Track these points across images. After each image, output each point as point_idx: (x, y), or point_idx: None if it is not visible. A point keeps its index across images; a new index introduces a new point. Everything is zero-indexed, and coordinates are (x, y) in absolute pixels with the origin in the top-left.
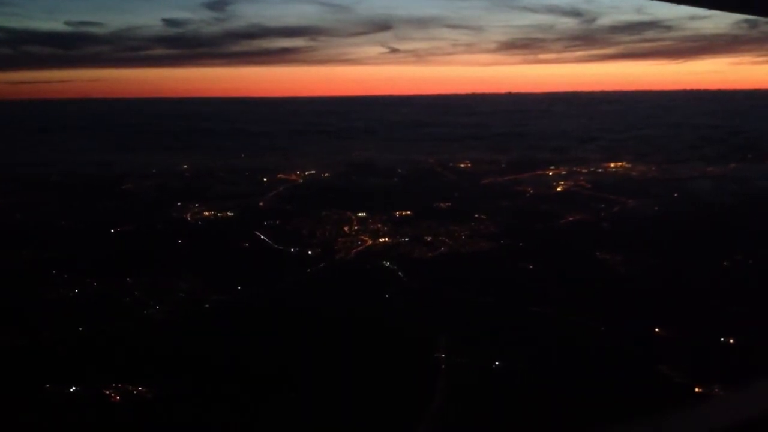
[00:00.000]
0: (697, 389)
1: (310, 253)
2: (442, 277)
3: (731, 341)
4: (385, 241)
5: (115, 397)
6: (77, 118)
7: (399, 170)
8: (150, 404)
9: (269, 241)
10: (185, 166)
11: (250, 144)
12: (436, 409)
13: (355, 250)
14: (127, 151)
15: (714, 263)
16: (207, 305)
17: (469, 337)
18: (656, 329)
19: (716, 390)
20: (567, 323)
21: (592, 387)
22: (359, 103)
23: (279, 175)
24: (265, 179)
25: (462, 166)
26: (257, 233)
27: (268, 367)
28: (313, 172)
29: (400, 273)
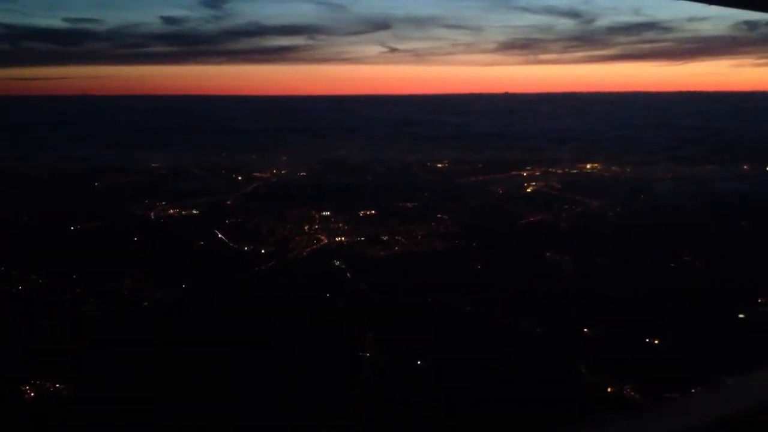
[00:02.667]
0: (609, 389)
1: (263, 251)
2: (388, 277)
3: (656, 342)
4: (341, 240)
5: (30, 393)
6: (67, 114)
7: (375, 169)
8: (63, 401)
9: (226, 240)
10: (163, 164)
11: (233, 142)
12: (348, 407)
13: (308, 249)
14: (109, 147)
15: (660, 264)
16: (146, 303)
17: (400, 337)
18: (585, 329)
19: (627, 390)
20: (501, 324)
21: (507, 387)
22: (355, 102)
23: (254, 174)
24: (239, 177)
25: (439, 165)
26: (216, 231)
27: (191, 365)
28: (289, 170)
29: (348, 273)
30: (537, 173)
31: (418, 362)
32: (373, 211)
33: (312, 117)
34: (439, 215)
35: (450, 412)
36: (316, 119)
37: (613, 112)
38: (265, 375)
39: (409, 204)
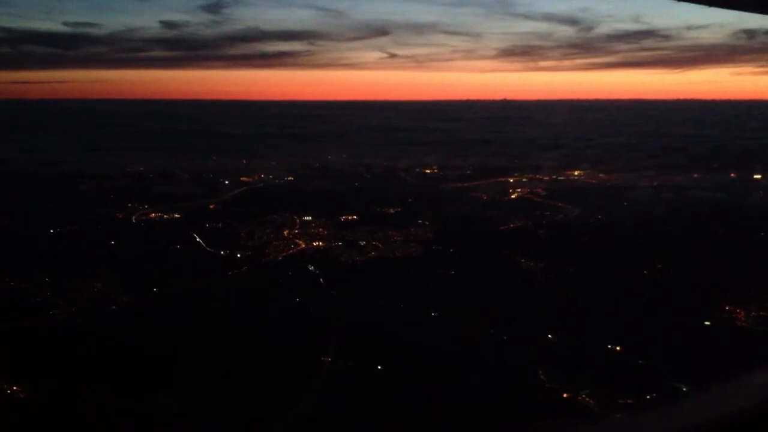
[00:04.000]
0: (564, 395)
1: (238, 255)
2: (360, 282)
3: (618, 348)
4: (318, 244)
5: None
6: (63, 118)
7: (362, 174)
8: (18, 403)
9: (203, 244)
10: (150, 167)
11: (224, 146)
12: (303, 410)
13: (284, 254)
14: (99, 151)
15: (631, 271)
16: (114, 306)
17: (363, 341)
18: (549, 335)
19: (582, 396)
20: (466, 329)
21: (462, 392)
22: (352, 108)
23: (241, 178)
24: (226, 182)
25: (426, 171)
26: (194, 235)
27: (151, 367)
28: (276, 175)
29: (321, 277)
30: (523, 180)
31: (379, 367)
32: (355, 217)
33: (305, 122)
34: (419, 221)
35: (398, 417)
36: (309, 124)
37: (607, 119)
38: (217, 380)
39: (391, 210)
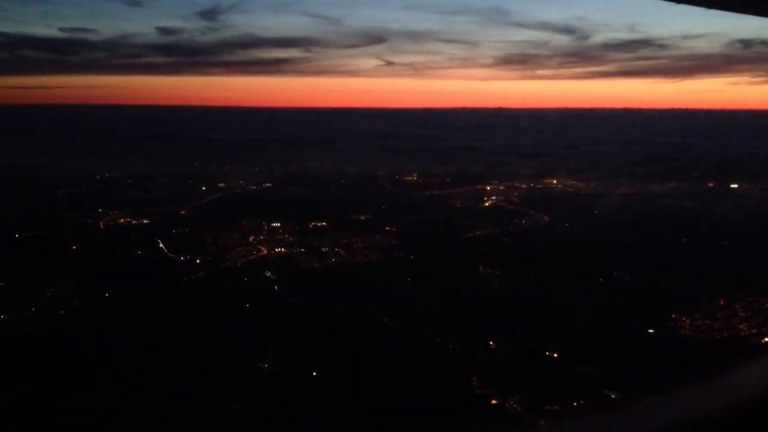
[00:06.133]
0: (493, 401)
1: (198, 261)
2: (315, 289)
3: (555, 355)
4: (280, 251)
5: None
6: (52, 123)
7: (340, 181)
8: None
9: (165, 249)
10: (130, 173)
11: (209, 152)
12: (232, 415)
13: (244, 260)
14: (82, 156)
15: (587, 279)
16: (62, 311)
17: (303, 348)
18: (491, 342)
19: (510, 403)
20: (412, 336)
21: (394, 396)
22: (348, 115)
23: (219, 184)
24: (203, 188)
25: (407, 178)
26: (158, 241)
27: (87, 369)
28: (254, 181)
29: (276, 284)
30: (500, 187)
31: (314, 373)
32: (324, 223)
33: (295, 129)
34: (388, 227)
35: (333, 421)
36: (298, 131)
37: (595, 127)
38: (149, 383)
39: (362, 216)
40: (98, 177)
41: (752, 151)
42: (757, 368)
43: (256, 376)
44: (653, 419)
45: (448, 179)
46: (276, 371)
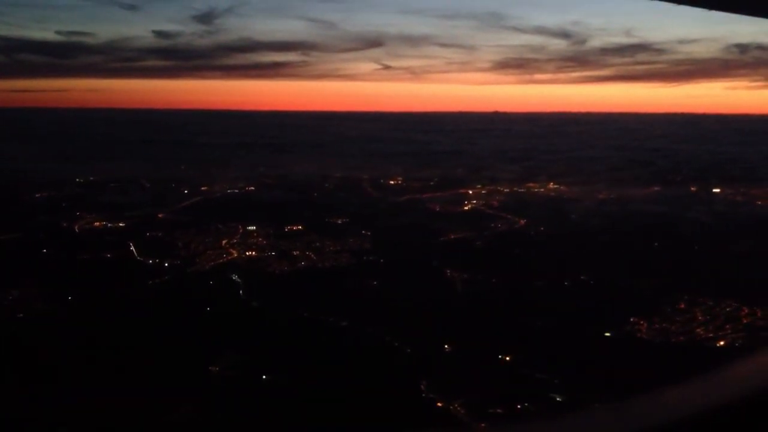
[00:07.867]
0: (438, 404)
1: (166, 265)
2: (281, 293)
3: (507, 359)
4: (250, 254)
5: None
6: (45, 127)
7: (323, 185)
8: None
9: (134, 253)
10: (113, 176)
11: (198, 156)
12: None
13: (213, 263)
14: (69, 159)
15: (553, 283)
16: (21, 314)
17: (256, 352)
18: (446, 346)
19: (454, 406)
20: (368, 339)
21: (340, 399)
22: (343, 118)
23: (202, 188)
24: (185, 191)
25: (391, 182)
26: (129, 244)
27: (38, 372)
28: (237, 184)
29: (241, 288)
30: (482, 191)
31: (264, 376)
32: (300, 227)
33: (286, 133)
34: (363, 231)
35: (261, 424)
36: (289, 135)
37: (587, 132)
38: (98, 386)
39: (339, 220)
40: (81, 180)
41: (740, 156)
42: (751, 365)
43: (204, 381)
44: (646, 417)
45: (431, 183)
46: (225, 375)
